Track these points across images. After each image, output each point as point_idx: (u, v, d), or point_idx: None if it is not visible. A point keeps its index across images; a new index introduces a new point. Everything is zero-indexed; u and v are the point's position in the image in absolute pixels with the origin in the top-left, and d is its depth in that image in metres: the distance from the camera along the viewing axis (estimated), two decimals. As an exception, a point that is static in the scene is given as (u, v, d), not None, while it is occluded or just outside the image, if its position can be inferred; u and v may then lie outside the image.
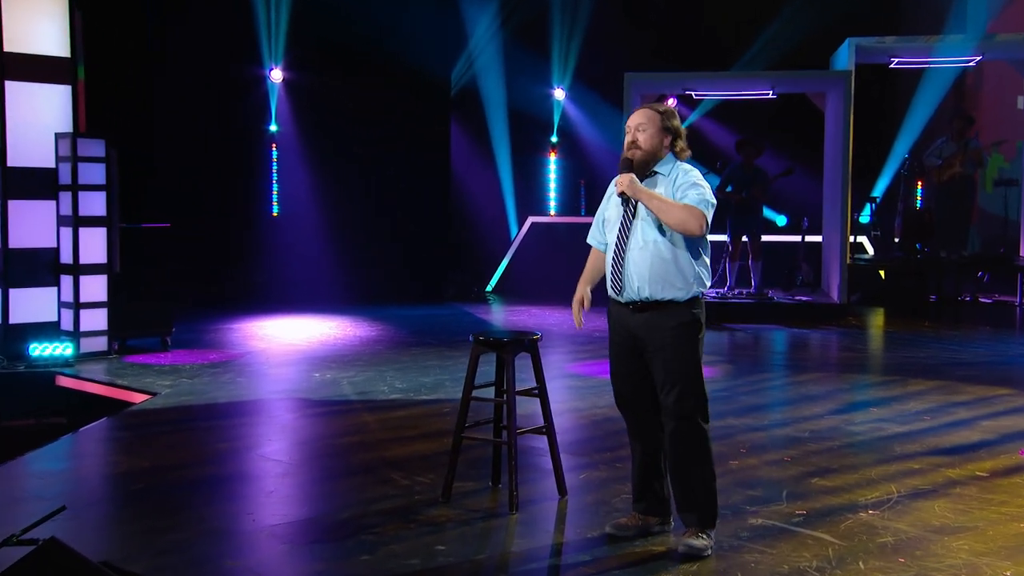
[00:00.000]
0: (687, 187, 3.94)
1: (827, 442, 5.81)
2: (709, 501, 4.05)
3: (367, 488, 4.92)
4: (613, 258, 4.04)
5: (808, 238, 12.88)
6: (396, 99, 14.38)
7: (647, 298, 3.98)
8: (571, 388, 7.66)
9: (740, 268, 12.12)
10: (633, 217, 3.99)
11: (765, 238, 12.28)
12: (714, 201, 3.93)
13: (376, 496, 4.78)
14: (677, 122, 4.05)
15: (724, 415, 6.48)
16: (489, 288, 15.02)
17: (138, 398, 7.08)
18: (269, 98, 14.46)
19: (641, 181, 4.02)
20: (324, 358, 8.83)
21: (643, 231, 3.97)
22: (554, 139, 15.57)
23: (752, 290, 11.98)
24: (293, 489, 4.99)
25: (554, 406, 6.69)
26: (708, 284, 4.07)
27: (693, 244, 3.96)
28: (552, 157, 15.62)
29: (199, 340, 9.86)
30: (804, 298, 12.04)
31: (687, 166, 4.02)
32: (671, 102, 14.28)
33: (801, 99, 13.62)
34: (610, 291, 4.12)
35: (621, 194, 3.96)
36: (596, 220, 4.27)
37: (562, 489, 4.78)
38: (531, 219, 15.09)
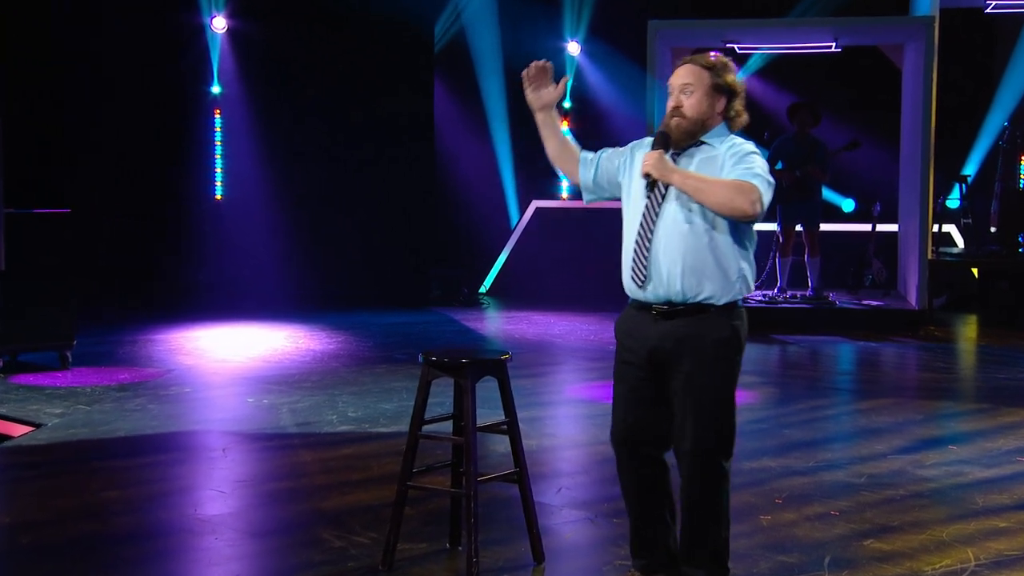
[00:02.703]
0: (737, 159, 3.86)
1: (888, 490, 5.63)
2: (720, 553, 3.98)
3: (289, 551, 4.74)
4: (636, 246, 3.95)
5: (880, 227, 12.74)
6: (366, 55, 14.24)
7: (679, 295, 3.87)
8: (571, 417, 7.57)
9: (794, 265, 11.98)
10: (662, 200, 3.92)
11: (825, 227, 12.15)
12: (772, 180, 3.86)
13: (299, 563, 4.60)
14: (733, 77, 3.97)
15: (759, 454, 6.29)
16: (483, 289, 14.92)
17: (18, 430, 6.90)
18: (210, 53, 14.33)
19: (682, 152, 3.96)
20: (265, 378, 8.72)
21: (675, 213, 3.89)
22: (567, 104, 15.38)
23: (809, 292, 11.85)
24: (194, 552, 4.80)
25: (547, 441, 6.65)
26: (752, 287, 4.01)
27: (739, 232, 3.88)
28: (564, 127, 15.35)
29: (110, 355, 9.72)
30: (874, 303, 11.93)
31: (746, 143, 3.95)
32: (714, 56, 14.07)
33: (872, 53, 13.44)
34: (629, 284, 4.00)
35: (646, 175, 3.87)
36: (598, 154, 4.20)
37: (538, 554, 4.58)
38: (535, 204, 14.99)
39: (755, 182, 3.76)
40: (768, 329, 11.03)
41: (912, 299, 11.84)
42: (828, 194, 13.09)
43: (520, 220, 15.04)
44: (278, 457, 6.36)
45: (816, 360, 10.05)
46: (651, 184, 3.89)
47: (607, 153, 4.18)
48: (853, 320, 11.46)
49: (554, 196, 15.27)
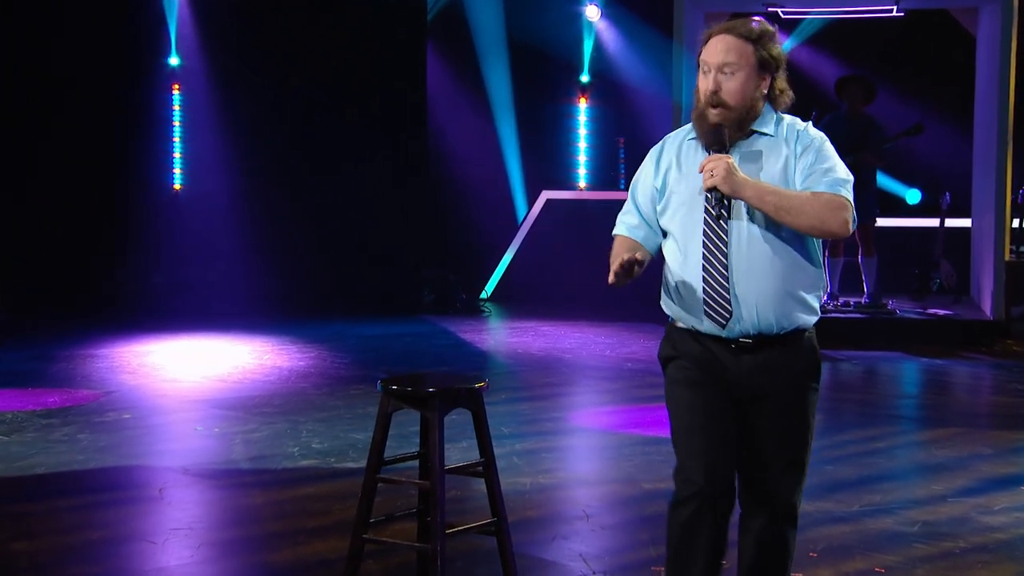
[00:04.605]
0: (814, 157, 3.72)
1: (946, 542, 5.50)
2: None
3: (224, 615, 4.63)
4: (707, 278, 3.74)
5: (950, 223, 12.67)
6: (349, 25, 14.18)
7: (772, 327, 3.72)
8: (576, 449, 7.50)
9: (846, 266, 11.92)
10: (728, 214, 3.74)
11: (883, 222, 12.04)
12: (851, 177, 3.73)
13: (235, 629, 4.49)
14: (779, 48, 3.81)
15: (794, 497, 6.11)
16: (484, 295, 14.92)
17: (-81, 466, 6.81)
18: (167, 19, 14.29)
19: (731, 149, 3.76)
20: (220, 402, 8.67)
21: (751, 229, 3.72)
22: (584, 79, 15.35)
23: (864, 299, 11.79)
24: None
25: (545, 479, 6.65)
26: None
27: (813, 240, 3.79)
28: (582, 105, 15.41)
29: (38, 374, 9.69)
30: (941, 312, 11.87)
31: (800, 122, 3.81)
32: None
33: (941, 18, 13.36)
34: (706, 325, 3.76)
35: (712, 190, 3.67)
36: (633, 202, 3.94)
37: (519, 621, 4.43)
38: (546, 195, 14.97)
39: (844, 193, 3.64)
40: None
41: (987, 307, 11.74)
42: (887, 183, 12.99)
43: (528, 214, 15.01)
44: (225, 498, 6.28)
45: (870, 380, 9.98)
46: (720, 200, 3.69)
47: (642, 198, 3.88)
48: (916, 332, 11.36)
49: (568, 186, 15.23)
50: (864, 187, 11.41)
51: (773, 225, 3.68)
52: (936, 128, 12.73)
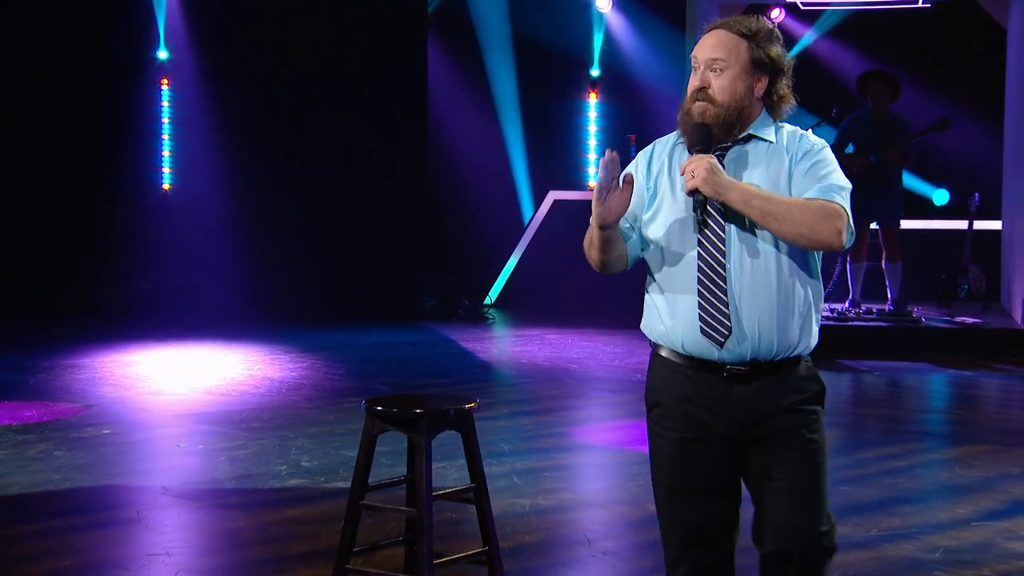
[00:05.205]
0: (811, 162, 3.61)
1: (969, 570, 5.42)
2: None
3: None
4: (703, 292, 3.61)
5: (979, 225, 12.63)
6: (345, 16, 14.15)
7: (771, 351, 3.59)
8: (581, 468, 7.47)
9: (869, 272, 11.88)
10: (723, 220, 3.62)
11: (908, 225, 12.01)
12: (849, 185, 3.62)
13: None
14: (779, 50, 3.68)
15: (808, 521, 6.06)
16: (488, 300, 14.92)
17: None
18: (155, 10, 14.29)
19: (723, 154, 3.65)
20: (206, 416, 8.63)
21: (750, 239, 3.61)
22: (594, 73, 15.31)
23: (888, 306, 11.75)
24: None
25: (545, 500, 6.59)
26: None
27: (814, 252, 3.66)
28: (592, 100, 15.37)
29: (17, 386, 9.67)
30: (970, 320, 11.81)
31: (800, 130, 3.71)
32: (776, 14, 13.91)
33: (971, 8, 13.32)
34: (700, 344, 3.63)
35: (693, 192, 3.55)
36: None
37: (512, 658, 4.38)
38: (553, 195, 14.97)
39: (839, 201, 3.53)
40: (836, 353, 10.84)
41: (1017, 315, 11.72)
42: (913, 183, 12.92)
43: (535, 215, 15.02)
44: (206, 521, 6.24)
45: (894, 393, 9.94)
46: (701, 204, 3.57)
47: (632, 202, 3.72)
48: (942, 341, 11.33)
49: (576, 185, 15.20)
50: (889, 188, 11.42)
51: (772, 241, 3.58)
52: (965, 125, 12.71)
